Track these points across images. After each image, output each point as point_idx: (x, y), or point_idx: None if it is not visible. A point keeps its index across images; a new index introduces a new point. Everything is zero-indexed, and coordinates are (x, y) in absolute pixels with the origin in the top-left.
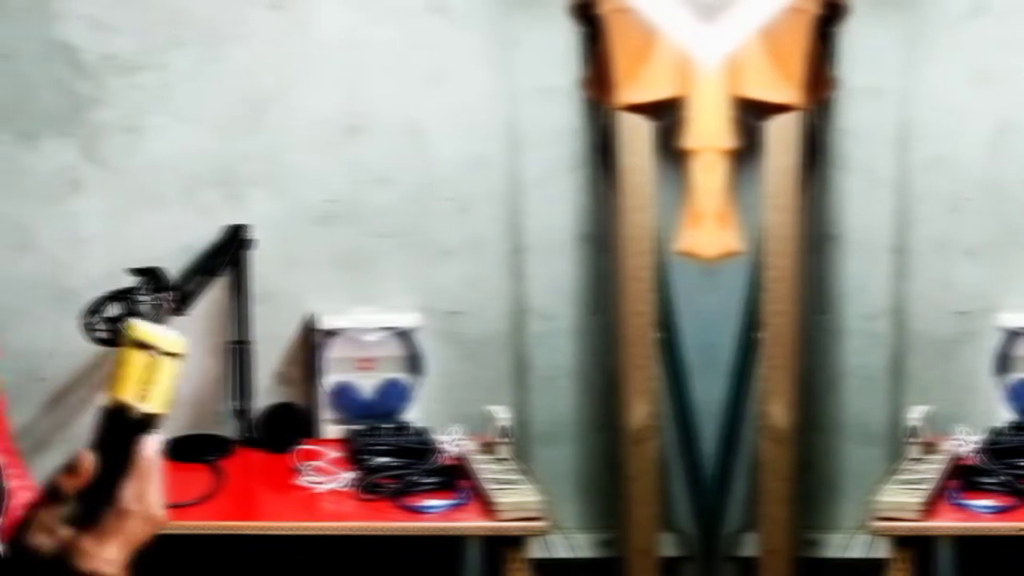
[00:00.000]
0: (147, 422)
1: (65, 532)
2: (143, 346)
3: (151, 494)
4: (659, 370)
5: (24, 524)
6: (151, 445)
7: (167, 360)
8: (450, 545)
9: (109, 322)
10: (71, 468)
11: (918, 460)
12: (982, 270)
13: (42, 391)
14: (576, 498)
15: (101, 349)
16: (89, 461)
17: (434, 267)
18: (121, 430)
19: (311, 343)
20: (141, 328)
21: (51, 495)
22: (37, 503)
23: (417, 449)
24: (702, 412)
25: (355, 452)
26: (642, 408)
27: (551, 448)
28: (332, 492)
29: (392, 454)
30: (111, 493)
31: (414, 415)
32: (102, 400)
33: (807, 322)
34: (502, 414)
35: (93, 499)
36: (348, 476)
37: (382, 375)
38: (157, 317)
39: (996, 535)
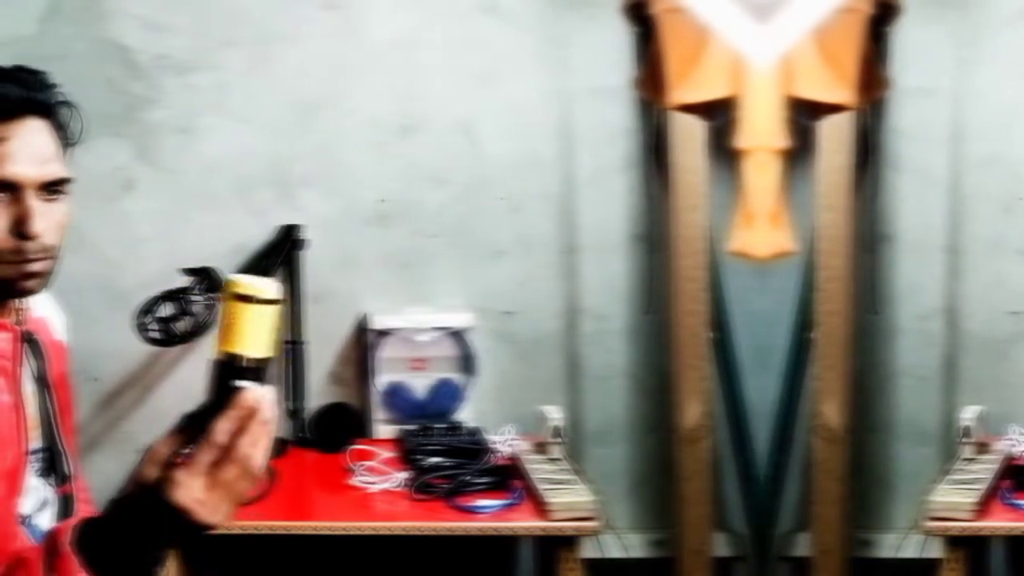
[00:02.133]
0: (255, 368)
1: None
2: (243, 298)
3: (248, 441)
4: (712, 370)
5: (144, 458)
6: (257, 393)
7: (266, 308)
8: (503, 545)
9: (162, 322)
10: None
11: (971, 460)
12: None
13: (95, 391)
14: (629, 498)
15: (154, 349)
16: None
17: (487, 267)
18: (231, 377)
19: (364, 343)
20: (239, 281)
21: (175, 433)
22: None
23: (470, 449)
24: (755, 412)
25: (408, 452)
26: (695, 408)
27: (604, 448)
28: (385, 492)
29: (445, 454)
30: (205, 427)
31: (467, 415)
32: (213, 354)
33: (860, 322)
34: (555, 414)
35: (193, 434)
36: (401, 476)
37: (435, 375)
38: (209, 316)
39: None
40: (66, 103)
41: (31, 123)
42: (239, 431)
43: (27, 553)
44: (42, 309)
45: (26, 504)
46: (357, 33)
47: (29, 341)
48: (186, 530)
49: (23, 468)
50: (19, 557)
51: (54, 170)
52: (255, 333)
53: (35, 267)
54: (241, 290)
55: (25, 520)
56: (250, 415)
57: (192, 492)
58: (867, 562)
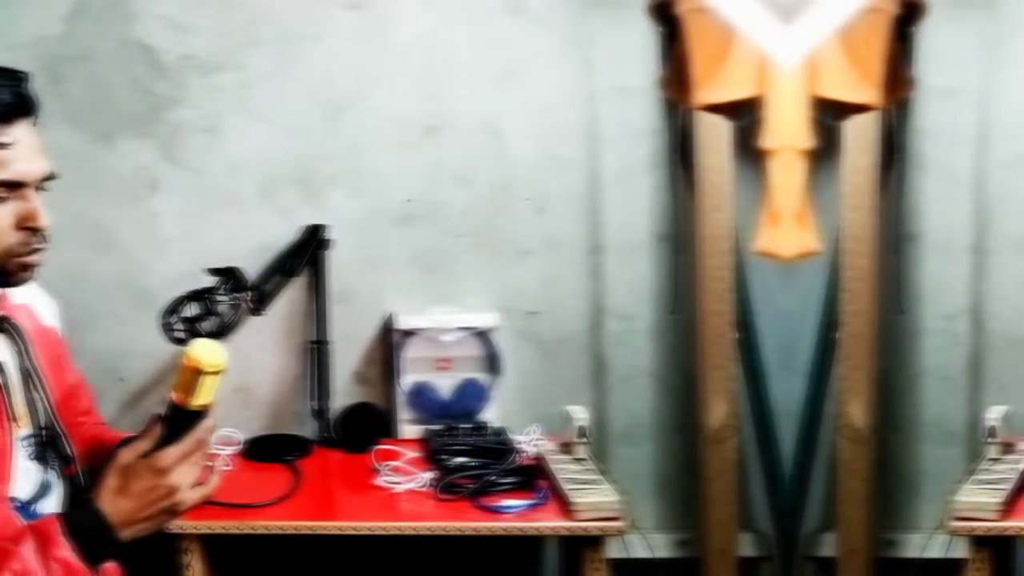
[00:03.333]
0: (200, 412)
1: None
2: (195, 369)
3: (183, 472)
4: (737, 370)
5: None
6: (205, 426)
7: (213, 376)
8: (528, 545)
9: (187, 322)
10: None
11: (996, 460)
12: None
13: (121, 391)
14: (654, 498)
15: (179, 349)
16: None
17: (512, 267)
18: (181, 419)
19: (389, 343)
20: (193, 354)
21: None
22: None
23: (495, 449)
24: (780, 412)
25: (433, 452)
26: (720, 408)
27: (629, 448)
28: (410, 492)
29: (470, 454)
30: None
31: (492, 415)
32: (167, 395)
33: (885, 322)
34: (580, 414)
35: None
36: (426, 476)
37: (460, 375)
38: (235, 316)
39: None
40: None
41: (23, 122)
42: (181, 460)
43: (18, 541)
44: (24, 296)
45: (22, 490)
46: (382, 33)
47: (6, 328)
48: (166, 496)
49: (9, 453)
50: (10, 545)
51: (48, 165)
52: (203, 392)
53: (35, 258)
54: (197, 364)
55: (26, 506)
56: (197, 448)
57: (174, 459)
58: (892, 562)
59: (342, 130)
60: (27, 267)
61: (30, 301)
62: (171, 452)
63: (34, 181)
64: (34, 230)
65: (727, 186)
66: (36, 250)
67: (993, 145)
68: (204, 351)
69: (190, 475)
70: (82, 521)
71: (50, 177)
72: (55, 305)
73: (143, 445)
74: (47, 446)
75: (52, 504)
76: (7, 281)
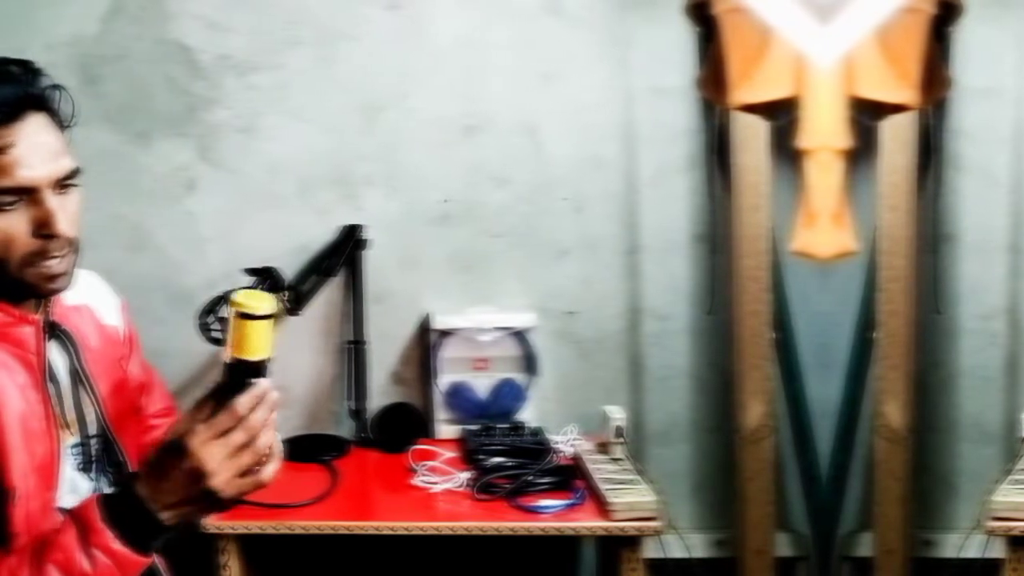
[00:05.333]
0: (259, 367)
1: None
2: (244, 315)
3: (258, 417)
4: (774, 370)
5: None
6: (265, 383)
7: (263, 321)
8: (565, 545)
9: (224, 322)
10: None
11: None
12: None
13: None
14: (691, 498)
15: (216, 349)
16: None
17: (549, 267)
18: (241, 376)
19: (426, 343)
20: (239, 300)
21: (193, 411)
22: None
23: (532, 449)
24: (817, 412)
25: (470, 452)
26: (757, 408)
27: (666, 448)
28: (447, 492)
29: (507, 454)
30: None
31: (529, 415)
32: (223, 357)
33: (922, 322)
34: (617, 414)
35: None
36: (463, 476)
37: (497, 375)
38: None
39: None
40: (55, 87)
41: (32, 119)
42: (253, 409)
43: (58, 532)
44: (84, 295)
45: (68, 499)
46: (420, 33)
47: (57, 333)
48: (194, 479)
49: (56, 462)
50: (51, 536)
51: (65, 164)
52: (256, 341)
53: (60, 267)
54: (242, 309)
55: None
56: (262, 397)
57: (202, 438)
58: (930, 562)
59: (380, 130)
60: (51, 277)
61: (90, 300)
62: (200, 432)
63: (46, 184)
64: (51, 237)
65: (764, 186)
66: (57, 257)
67: None
68: (249, 295)
69: (220, 456)
70: (121, 504)
71: (71, 175)
72: (119, 301)
73: (182, 422)
74: (98, 454)
75: None
76: (35, 293)
